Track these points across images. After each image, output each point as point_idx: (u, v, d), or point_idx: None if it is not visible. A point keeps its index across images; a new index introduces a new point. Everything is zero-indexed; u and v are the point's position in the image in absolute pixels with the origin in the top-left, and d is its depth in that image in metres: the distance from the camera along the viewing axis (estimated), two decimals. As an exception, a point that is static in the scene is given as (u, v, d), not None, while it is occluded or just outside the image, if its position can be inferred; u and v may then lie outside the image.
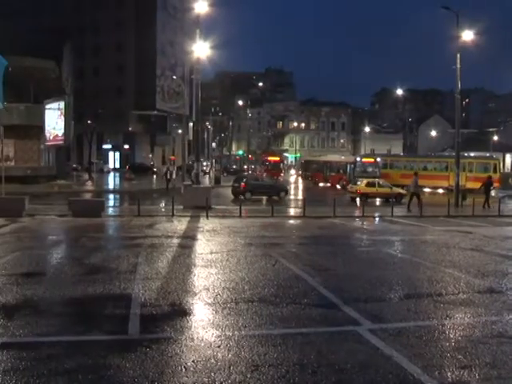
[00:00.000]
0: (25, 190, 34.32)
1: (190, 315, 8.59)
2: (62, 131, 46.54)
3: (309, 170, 67.19)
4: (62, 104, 46.19)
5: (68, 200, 25.49)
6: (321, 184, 59.12)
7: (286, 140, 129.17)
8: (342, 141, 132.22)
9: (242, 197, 35.66)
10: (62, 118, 46.11)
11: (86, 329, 7.73)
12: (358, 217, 26.96)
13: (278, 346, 7.02)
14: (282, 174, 77.36)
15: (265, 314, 8.55)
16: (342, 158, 65.17)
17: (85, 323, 8.01)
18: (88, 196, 38.85)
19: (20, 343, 7.04)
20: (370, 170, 52.89)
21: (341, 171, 56.52)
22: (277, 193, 38.36)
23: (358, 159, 57.02)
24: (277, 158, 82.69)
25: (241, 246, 16.31)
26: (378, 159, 56.36)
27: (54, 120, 46.61)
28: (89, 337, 7.39)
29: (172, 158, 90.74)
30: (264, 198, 37.63)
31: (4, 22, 63.66)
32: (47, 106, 47.41)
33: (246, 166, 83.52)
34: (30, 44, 51.21)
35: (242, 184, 37.99)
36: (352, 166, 54.60)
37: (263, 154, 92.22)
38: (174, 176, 40.81)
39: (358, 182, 40.33)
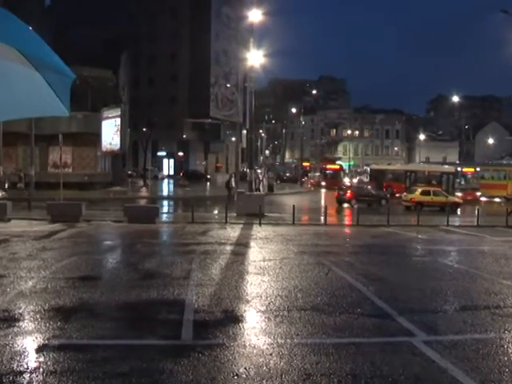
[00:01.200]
0: (82, 195, 35.16)
1: (242, 322, 8.61)
2: (118, 146, 48.14)
3: (381, 179, 57.36)
4: (118, 120, 47.62)
5: (123, 206, 25.95)
6: (399, 195, 51.38)
7: (340, 148, 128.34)
8: (396, 149, 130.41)
9: (348, 204, 38.70)
10: (118, 134, 47.76)
11: (140, 333, 7.85)
12: (412, 226, 26.51)
13: (331, 356, 6.95)
14: (341, 183, 74.14)
15: (317, 322, 8.50)
16: (436, 167, 58.91)
17: (139, 327, 8.13)
18: (143, 202, 39.46)
19: (76, 345, 7.19)
20: (471, 180, 50.70)
21: (433, 182, 51.04)
22: (378, 200, 40.28)
23: (459, 169, 53.68)
24: (336, 167, 77.70)
25: (294, 253, 16.27)
26: (478, 169, 53.98)
27: (111, 136, 48.36)
28: (143, 341, 7.50)
29: (218, 165, 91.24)
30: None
31: (64, 33, 65.65)
32: (105, 116, 48.81)
33: (301, 174, 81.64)
34: (89, 54, 52.61)
35: (349, 192, 40.48)
36: (451, 176, 50.90)
37: (321, 162, 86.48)
38: (233, 184, 40.40)
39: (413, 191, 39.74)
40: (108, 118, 48.98)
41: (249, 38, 35.76)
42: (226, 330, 7.98)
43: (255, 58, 35.42)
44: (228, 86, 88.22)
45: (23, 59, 2.32)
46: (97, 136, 49.06)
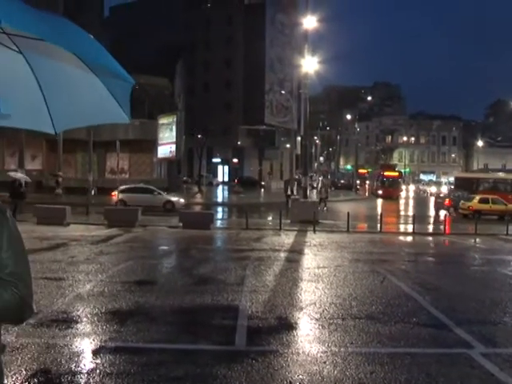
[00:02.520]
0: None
1: (296, 329, 8.58)
2: (174, 153, 50.11)
3: (471, 188, 46.79)
4: (173, 147, 49.35)
5: (178, 212, 26.29)
6: None
7: (395, 155, 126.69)
8: (453, 155, 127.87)
9: (447, 212, 38.70)
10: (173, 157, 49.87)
11: (194, 338, 7.91)
12: (470, 234, 25.88)
13: (385, 366, 6.84)
14: (401, 193, 67.37)
15: (372, 331, 8.38)
16: None
17: (193, 332, 8.20)
18: (197, 208, 39.86)
19: (132, 348, 7.31)
20: None
21: None
22: None
23: None
24: (395, 174, 69.50)
25: (348, 261, 16.12)
26: None
27: (167, 155, 50.16)
28: (197, 346, 7.56)
29: (268, 172, 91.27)
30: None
31: (122, 42, 67.18)
32: (161, 122, 49.93)
33: (358, 181, 79.88)
34: (146, 63, 53.68)
35: (448, 200, 41.67)
36: None
37: (380, 169, 78.13)
38: (294, 192, 39.59)
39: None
40: (163, 143, 50.62)
41: (303, 44, 35.71)
42: (279, 337, 7.96)
43: (310, 64, 35.33)
44: (283, 92, 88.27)
45: (84, 66, 2.39)
46: (153, 143, 50.08)
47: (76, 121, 2.85)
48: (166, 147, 50.42)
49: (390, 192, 61.71)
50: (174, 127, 50.63)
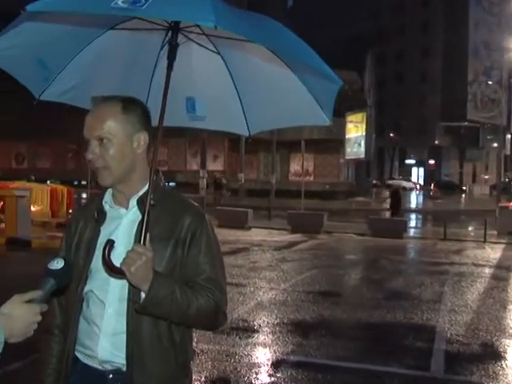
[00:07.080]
0: (322, 205, 36.15)
1: (504, 359, 8.05)
2: (363, 154, 50.15)
3: None
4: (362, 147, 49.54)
5: (367, 218, 26.13)
6: None
7: None
8: None
9: None
10: None
11: (384, 359, 7.76)
12: None
13: None
14: None
15: None
16: None
17: (382, 352, 8.06)
18: (388, 215, 39.34)
19: (315, 364, 7.35)
20: None
21: None
22: None
23: None
24: None
25: None
26: None
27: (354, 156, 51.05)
28: (386, 368, 7.41)
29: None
30: None
31: (306, 33, 68.45)
32: (349, 120, 50.17)
33: None
34: (332, 55, 54.12)
35: None
36: None
37: None
38: None
39: None
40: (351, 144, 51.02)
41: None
42: (483, 367, 7.52)
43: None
44: (489, 83, 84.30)
45: (284, 67, 2.45)
46: (340, 142, 50.33)
47: (271, 123, 2.94)
48: (355, 147, 50.66)
49: None
50: (364, 126, 50.53)
